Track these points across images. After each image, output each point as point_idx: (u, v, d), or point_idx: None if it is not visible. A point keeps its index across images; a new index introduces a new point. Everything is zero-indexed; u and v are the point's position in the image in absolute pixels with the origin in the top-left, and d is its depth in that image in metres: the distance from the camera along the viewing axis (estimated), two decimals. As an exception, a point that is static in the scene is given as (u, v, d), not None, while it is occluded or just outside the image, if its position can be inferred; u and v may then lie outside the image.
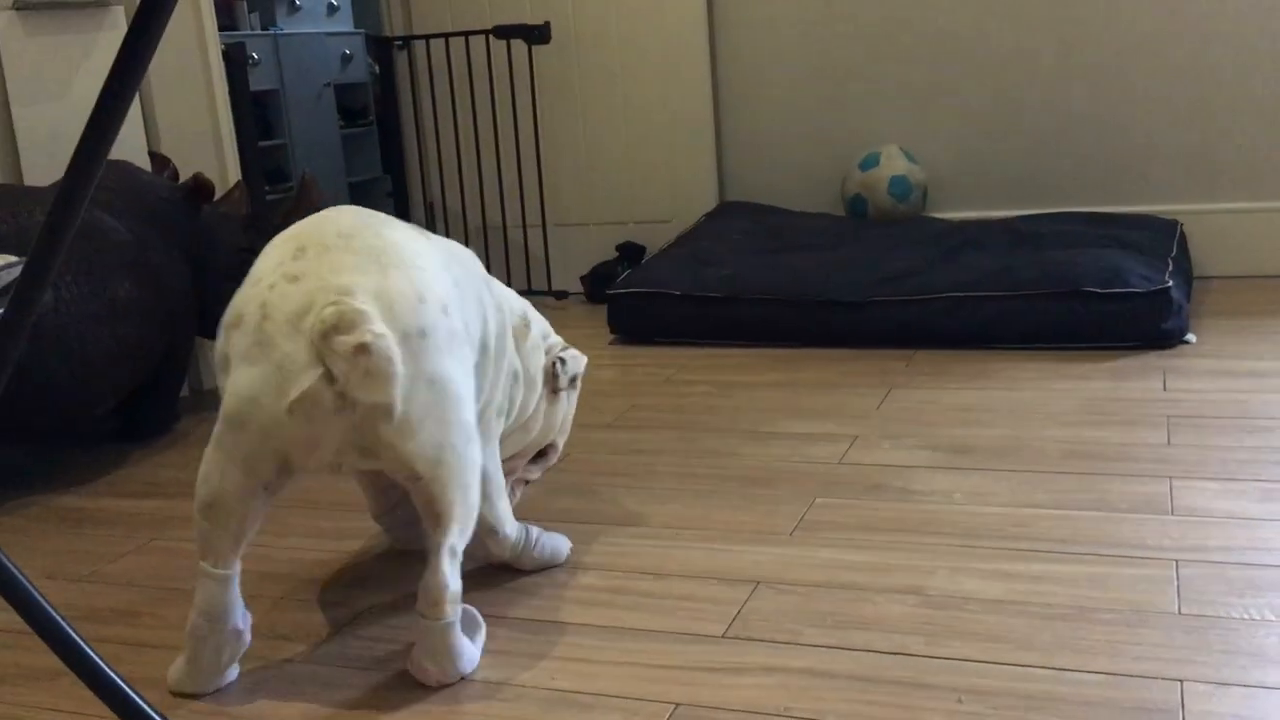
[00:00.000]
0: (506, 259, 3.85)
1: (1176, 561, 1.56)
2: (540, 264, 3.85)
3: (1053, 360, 2.58)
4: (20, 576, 1.16)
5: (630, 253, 3.69)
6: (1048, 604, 1.47)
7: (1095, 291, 2.61)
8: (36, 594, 1.17)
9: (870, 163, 3.49)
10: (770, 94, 3.68)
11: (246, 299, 1.33)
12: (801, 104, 3.66)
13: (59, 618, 1.17)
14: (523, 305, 1.70)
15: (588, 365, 1.82)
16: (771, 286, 2.90)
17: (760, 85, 3.68)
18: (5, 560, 1.16)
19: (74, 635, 1.17)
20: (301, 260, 1.32)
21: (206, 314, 2.54)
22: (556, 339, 1.76)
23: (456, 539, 1.36)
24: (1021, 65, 3.42)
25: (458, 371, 1.35)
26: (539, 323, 1.72)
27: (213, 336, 1.98)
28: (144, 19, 0.91)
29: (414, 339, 1.29)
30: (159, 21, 0.91)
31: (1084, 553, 1.61)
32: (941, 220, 3.41)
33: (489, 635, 1.50)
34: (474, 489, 1.39)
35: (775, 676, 1.35)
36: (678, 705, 1.30)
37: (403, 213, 4.01)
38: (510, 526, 1.63)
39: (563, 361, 1.72)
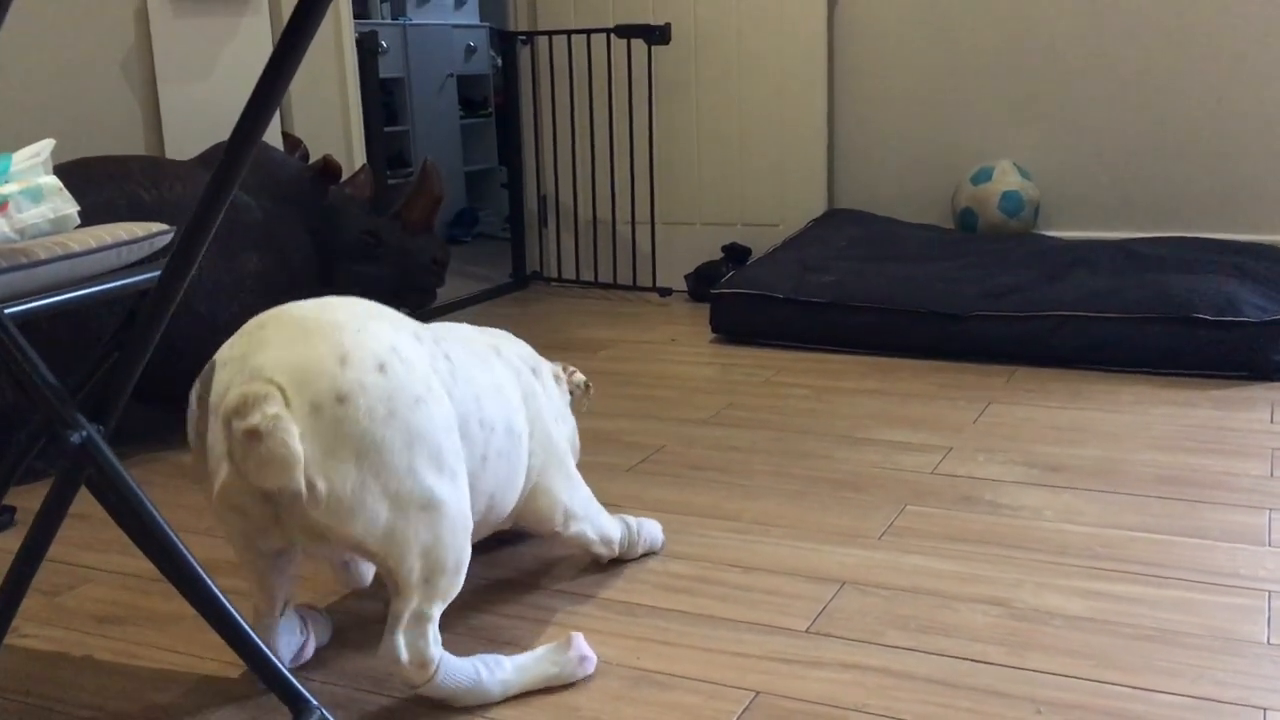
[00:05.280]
0: (614, 254, 3.92)
1: (1270, 593, 1.54)
2: (646, 260, 3.91)
3: (1157, 385, 2.54)
4: (167, 529, 1.25)
5: (735, 254, 3.73)
6: (1133, 624, 1.47)
7: (1206, 318, 2.57)
8: (181, 546, 1.25)
9: (983, 176, 3.47)
10: (885, 103, 3.68)
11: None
12: (915, 115, 3.65)
13: (199, 568, 1.26)
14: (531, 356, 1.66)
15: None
16: (874, 295, 2.91)
17: (875, 94, 3.68)
18: (155, 514, 1.25)
19: (210, 585, 1.26)
20: (242, 339, 1.25)
21: (328, 290, 2.65)
22: (546, 364, 1.70)
23: (422, 605, 1.26)
24: (1141, 86, 3.37)
25: (398, 436, 1.19)
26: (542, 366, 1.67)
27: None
28: (301, 16, 0.99)
29: (327, 408, 1.16)
30: (315, 17, 0.99)
31: (1174, 577, 1.60)
32: (1052, 238, 3.37)
33: (574, 614, 1.55)
34: (446, 548, 1.25)
35: (854, 674, 1.38)
36: (757, 693, 1.34)
37: (516, 204, 4.11)
38: (615, 531, 1.67)
39: (572, 373, 1.78)
